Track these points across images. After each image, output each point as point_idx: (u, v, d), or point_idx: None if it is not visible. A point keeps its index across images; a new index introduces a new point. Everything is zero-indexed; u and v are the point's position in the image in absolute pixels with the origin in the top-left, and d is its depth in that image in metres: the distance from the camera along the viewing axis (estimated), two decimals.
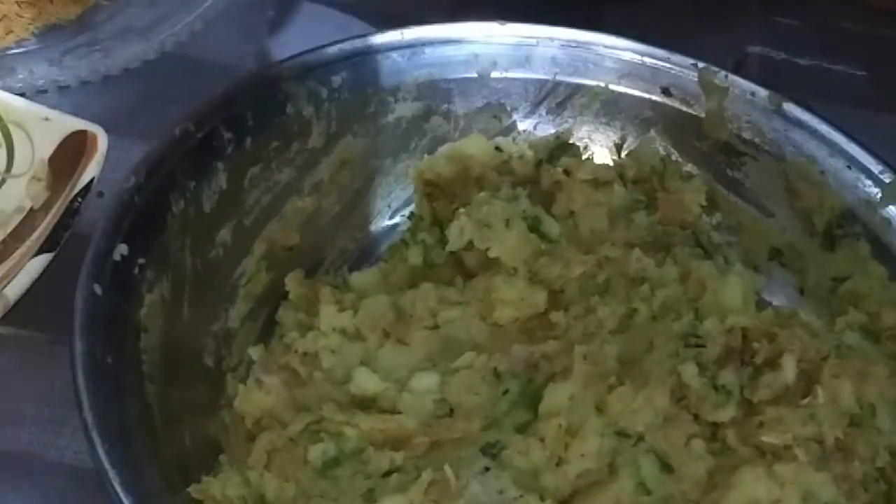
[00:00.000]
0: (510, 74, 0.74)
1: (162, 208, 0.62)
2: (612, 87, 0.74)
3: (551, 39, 0.74)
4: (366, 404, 0.63)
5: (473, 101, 0.74)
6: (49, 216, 0.67)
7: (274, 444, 0.61)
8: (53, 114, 0.71)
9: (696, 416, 0.60)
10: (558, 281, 0.68)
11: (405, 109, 0.73)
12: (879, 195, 0.68)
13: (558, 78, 0.74)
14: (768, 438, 0.58)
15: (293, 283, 0.70)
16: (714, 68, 0.73)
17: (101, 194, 0.69)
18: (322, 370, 0.65)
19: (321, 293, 0.69)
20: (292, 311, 0.69)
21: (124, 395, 0.57)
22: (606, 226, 0.70)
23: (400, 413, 0.62)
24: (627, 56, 0.74)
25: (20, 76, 0.79)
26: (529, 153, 0.73)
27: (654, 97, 0.74)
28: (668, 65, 0.74)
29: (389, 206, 0.74)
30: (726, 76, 0.73)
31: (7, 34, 0.82)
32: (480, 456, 0.59)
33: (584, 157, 0.75)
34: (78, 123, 0.70)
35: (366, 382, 0.63)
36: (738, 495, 0.56)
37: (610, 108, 0.75)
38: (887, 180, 0.68)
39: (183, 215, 0.63)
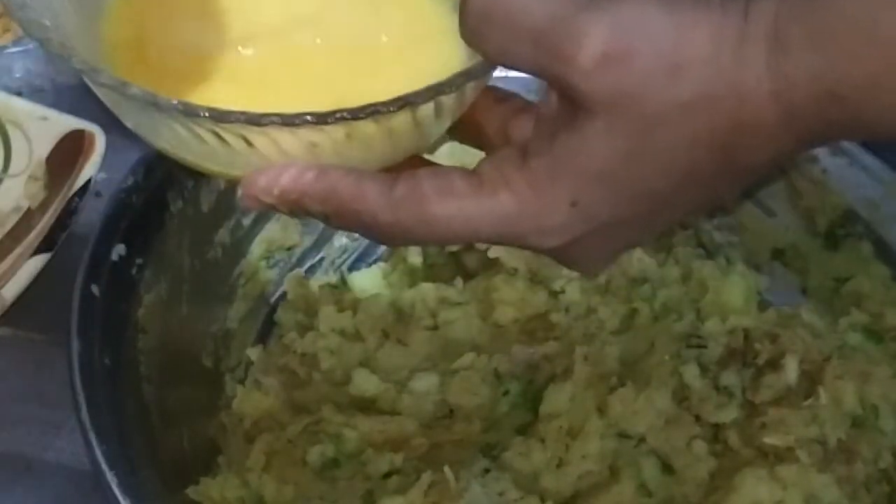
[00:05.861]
0: (511, 73, 0.73)
1: (160, 208, 0.62)
2: None
3: None
4: (365, 405, 0.63)
5: None
6: (46, 216, 0.67)
7: (273, 445, 0.61)
8: (51, 113, 0.71)
9: (697, 418, 0.60)
10: (558, 281, 0.68)
11: None
12: (882, 195, 0.68)
13: None
14: (770, 440, 0.58)
15: (293, 283, 0.69)
16: None
17: (98, 194, 0.69)
18: (321, 371, 0.65)
19: (320, 293, 0.68)
20: (291, 311, 0.69)
21: (122, 396, 0.56)
22: None
23: (399, 414, 0.62)
24: None
25: (17, 75, 0.79)
26: None
27: None
28: None
29: None
30: None
31: (4, 32, 0.82)
32: (480, 457, 0.59)
33: None
34: (75, 123, 0.70)
35: (365, 383, 0.63)
36: (740, 497, 0.56)
37: None
38: (889, 180, 0.68)
39: (181, 215, 0.63)
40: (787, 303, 0.69)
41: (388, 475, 0.59)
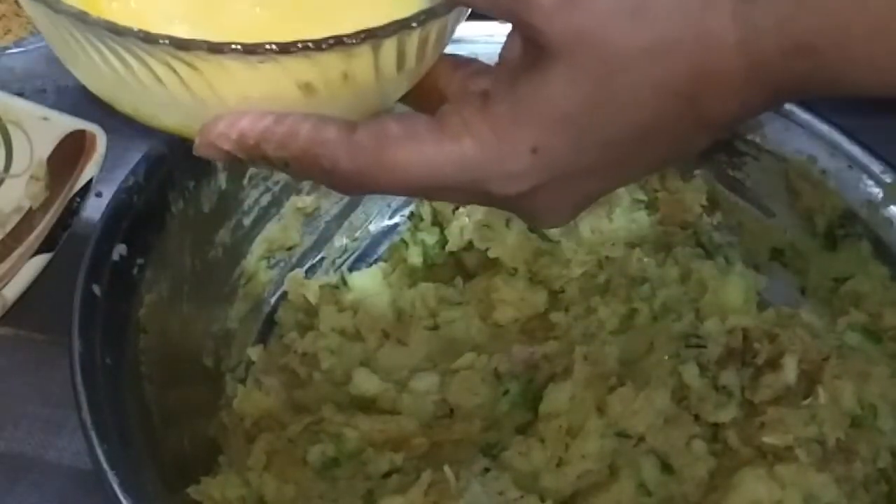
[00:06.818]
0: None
1: (161, 208, 0.62)
2: None
3: None
4: (365, 405, 0.63)
5: None
6: (48, 216, 0.67)
7: (273, 445, 0.61)
8: (52, 113, 0.71)
9: (696, 417, 0.60)
10: (558, 281, 0.68)
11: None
12: (881, 195, 0.68)
13: None
14: (769, 439, 0.58)
15: (293, 283, 0.69)
16: None
17: (99, 194, 0.69)
18: (321, 371, 0.65)
19: (320, 293, 0.68)
20: (292, 311, 0.69)
21: (123, 396, 0.56)
22: (606, 226, 0.70)
23: (400, 414, 0.62)
24: None
25: (19, 76, 0.79)
26: None
27: None
28: None
29: (389, 206, 0.74)
30: None
31: (6, 33, 0.82)
32: (480, 457, 0.59)
33: None
34: (77, 123, 0.70)
35: (365, 383, 0.63)
36: (740, 496, 0.56)
37: None
38: (888, 180, 0.68)
39: (182, 215, 0.63)
40: (786, 303, 0.69)
41: (388, 474, 0.59)
